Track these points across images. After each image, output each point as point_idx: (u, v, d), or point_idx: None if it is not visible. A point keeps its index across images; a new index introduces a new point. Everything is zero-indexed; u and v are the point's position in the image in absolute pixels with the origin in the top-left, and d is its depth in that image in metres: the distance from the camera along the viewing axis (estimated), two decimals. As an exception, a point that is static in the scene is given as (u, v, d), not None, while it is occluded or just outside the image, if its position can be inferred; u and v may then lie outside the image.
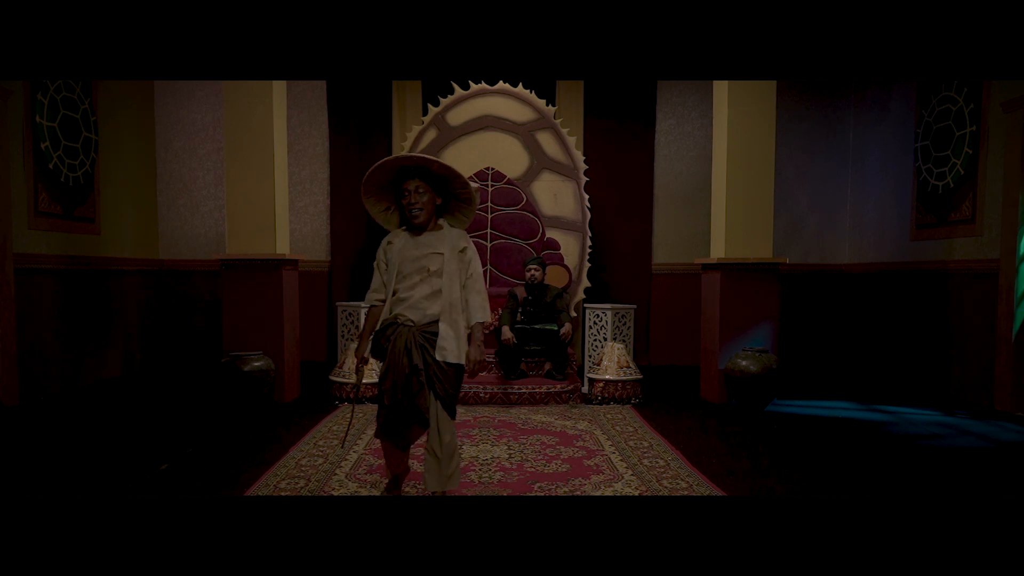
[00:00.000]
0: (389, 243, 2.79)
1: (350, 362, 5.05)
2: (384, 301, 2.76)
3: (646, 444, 4.00)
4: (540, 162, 6.34)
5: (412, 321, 2.69)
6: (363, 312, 2.73)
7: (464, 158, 6.31)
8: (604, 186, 6.92)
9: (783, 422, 4.61)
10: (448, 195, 2.80)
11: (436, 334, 2.68)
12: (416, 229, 2.75)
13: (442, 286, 2.69)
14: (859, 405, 5.19)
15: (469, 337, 2.79)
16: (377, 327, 2.75)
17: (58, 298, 5.44)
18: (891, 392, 5.75)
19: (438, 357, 2.67)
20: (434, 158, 2.70)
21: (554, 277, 5.85)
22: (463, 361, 2.72)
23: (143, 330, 6.61)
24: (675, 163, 7.11)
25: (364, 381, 2.85)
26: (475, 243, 6.21)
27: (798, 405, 5.16)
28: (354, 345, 2.81)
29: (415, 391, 2.66)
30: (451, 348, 2.68)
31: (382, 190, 2.81)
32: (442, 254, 2.70)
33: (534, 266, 5.31)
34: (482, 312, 2.78)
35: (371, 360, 2.85)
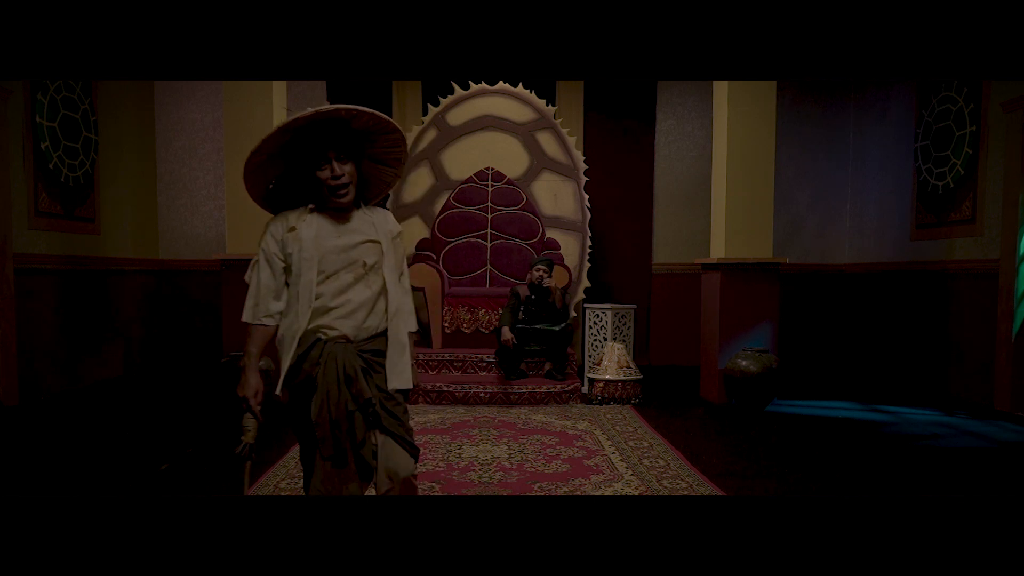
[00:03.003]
0: (292, 229, 1.95)
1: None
2: (279, 315, 2.01)
3: (646, 444, 4.00)
4: (540, 162, 6.34)
5: (345, 336, 1.97)
6: (255, 331, 1.96)
7: (464, 158, 6.32)
8: (604, 186, 6.93)
9: (783, 422, 4.61)
10: (361, 157, 2.01)
11: (379, 352, 2.01)
12: (337, 211, 2.00)
13: (384, 286, 2.02)
14: (859, 405, 5.19)
15: None
16: (292, 349, 1.96)
17: (58, 298, 5.44)
18: (891, 392, 5.75)
19: (395, 385, 2.00)
20: (364, 108, 1.89)
21: (554, 277, 5.84)
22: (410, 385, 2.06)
23: (143, 330, 6.61)
24: (675, 163, 7.11)
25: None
26: (475, 243, 6.32)
27: (798, 405, 5.16)
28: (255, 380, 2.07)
29: (360, 437, 1.96)
30: (406, 370, 2.03)
31: (269, 162, 1.98)
32: (379, 243, 2.01)
33: (542, 267, 5.28)
34: (414, 318, 2.13)
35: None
